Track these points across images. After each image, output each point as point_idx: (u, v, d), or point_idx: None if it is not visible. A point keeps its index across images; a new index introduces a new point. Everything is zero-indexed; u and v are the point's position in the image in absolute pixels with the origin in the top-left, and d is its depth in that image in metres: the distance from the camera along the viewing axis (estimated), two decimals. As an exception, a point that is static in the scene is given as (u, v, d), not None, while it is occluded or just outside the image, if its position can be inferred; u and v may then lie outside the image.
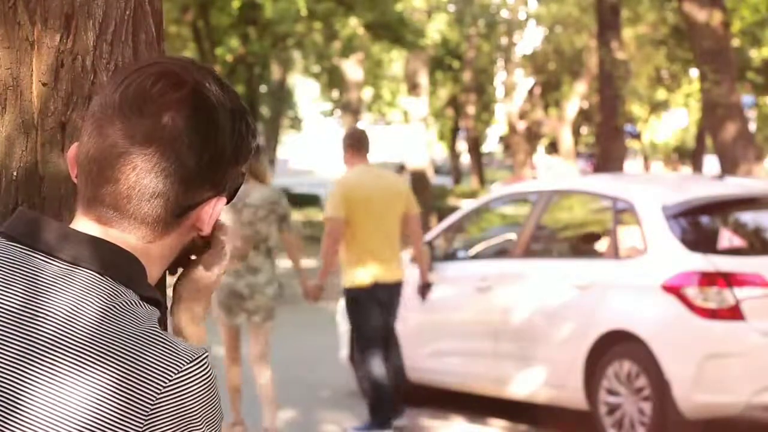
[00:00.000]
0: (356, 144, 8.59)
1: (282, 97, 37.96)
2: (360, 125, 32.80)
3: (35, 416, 1.43)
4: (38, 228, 1.55)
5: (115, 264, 1.53)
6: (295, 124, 49.17)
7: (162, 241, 1.58)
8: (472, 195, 32.56)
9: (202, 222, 1.61)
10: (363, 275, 8.53)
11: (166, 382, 1.46)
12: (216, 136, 1.57)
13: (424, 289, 9.17)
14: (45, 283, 1.50)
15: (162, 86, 1.56)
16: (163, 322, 1.66)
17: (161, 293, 1.82)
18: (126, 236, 1.56)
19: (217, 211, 1.61)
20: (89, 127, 1.58)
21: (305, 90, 50.82)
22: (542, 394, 8.86)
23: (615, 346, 8.34)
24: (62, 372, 1.44)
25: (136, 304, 1.52)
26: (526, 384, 8.94)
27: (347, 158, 8.59)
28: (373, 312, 8.58)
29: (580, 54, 32.38)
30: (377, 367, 8.57)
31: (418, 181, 27.68)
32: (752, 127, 22.60)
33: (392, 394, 8.66)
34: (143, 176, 1.54)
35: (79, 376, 1.44)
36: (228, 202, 1.66)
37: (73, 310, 1.48)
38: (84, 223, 1.57)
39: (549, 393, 8.80)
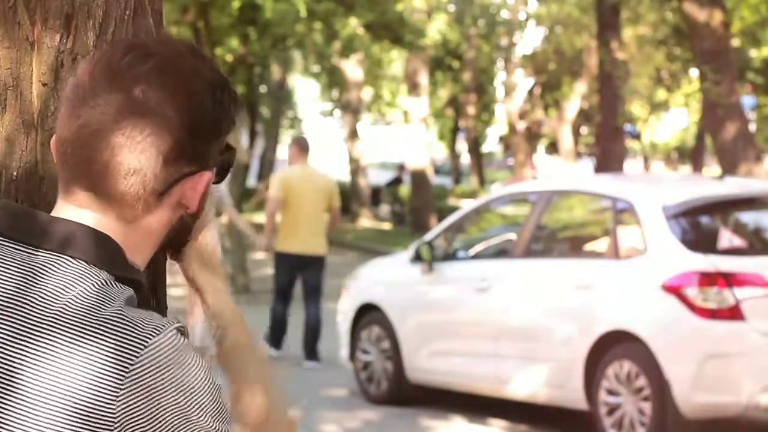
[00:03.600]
0: (299, 148, 11.39)
1: (282, 97, 37.93)
2: (359, 125, 32.82)
3: (14, 402, 1.43)
4: (17, 219, 1.54)
5: (86, 246, 1.49)
6: (295, 124, 49.15)
7: (145, 220, 1.54)
8: (472, 195, 32.57)
9: (187, 199, 1.56)
10: (284, 245, 11.39)
11: (130, 365, 1.41)
12: (192, 108, 1.52)
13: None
14: (22, 272, 1.49)
15: (130, 59, 1.52)
16: (146, 301, 1.62)
17: (161, 279, 1.81)
18: (104, 217, 1.52)
19: (202, 187, 1.56)
20: (62, 111, 1.55)
21: (305, 90, 50.80)
22: (542, 394, 8.86)
23: (615, 346, 8.34)
24: (35, 357, 1.43)
25: (108, 284, 1.48)
26: (526, 384, 8.94)
27: (291, 157, 11.43)
28: (284, 272, 11.47)
29: (580, 54, 32.36)
30: (277, 307, 11.54)
31: (418, 181, 27.65)
32: (752, 127, 22.60)
33: (284, 327, 11.60)
34: (117, 153, 1.49)
35: (52, 361, 1.42)
36: (221, 179, 1.61)
37: (42, 296, 1.46)
38: (63, 208, 1.54)
39: (549, 393, 8.80)
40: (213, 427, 1.47)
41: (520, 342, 8.98)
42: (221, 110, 1.56)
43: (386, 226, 30.90)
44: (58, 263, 1.49)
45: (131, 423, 1.42)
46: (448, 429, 9.17)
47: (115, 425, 1.41)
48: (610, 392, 8.32)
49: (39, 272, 1.49)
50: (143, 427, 1.42)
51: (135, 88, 1.50)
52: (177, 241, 1.64)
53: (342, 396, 10.19)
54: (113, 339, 1.42)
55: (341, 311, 10.76)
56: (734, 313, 7.87)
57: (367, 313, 10.38)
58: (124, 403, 1.41)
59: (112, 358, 1.42)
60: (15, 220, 1.54)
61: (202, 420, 1.46)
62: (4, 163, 1.77)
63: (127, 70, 1.51)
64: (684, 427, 7.96)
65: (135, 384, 1.42)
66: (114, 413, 1.41)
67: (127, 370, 1.41)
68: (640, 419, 8.15)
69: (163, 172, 1.51)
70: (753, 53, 26.68)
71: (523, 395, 9.03)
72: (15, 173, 1.77)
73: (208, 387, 1.47)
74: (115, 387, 1.41)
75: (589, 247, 9.24)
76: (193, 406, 1.45)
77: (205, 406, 1.46)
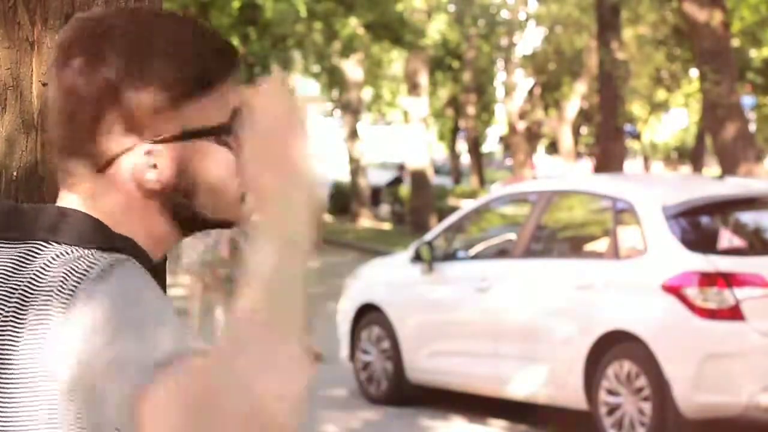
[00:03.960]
0: None
1: (282, 97, 37.87)
2: (359, 125, 32.82)
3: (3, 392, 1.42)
4: (8, 217, 1.53)
5: (61, 228, 1.48)
6: (295, 124, 49.14)
7: (101, 199, 1.50)
8: (472, 195, 32.54)
9: (132, 175, 1.48)
10: None
11: (70, 312, 1.38)
12: (136, 79, 1.46)
13: None
14: (5, 266, 1.49)
15: (77, 33, 1.50)
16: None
17: (161, 279, 1.80)
18: (77, 195, 1.51)
19: (165, 161, 1.47)
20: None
21: (305, 90, 50.93)
22: (542, 394, 8.86)
23: (615, 346, 8.34)
24: (10, 344, 1.42)
25: (68, 255, 1.45)
26: (526, 384, 8.94)
27: None
28: None
29: (580, 54, 32.37)
30: None
31: (418, 181, 27.65)
32: (752, 127, 22.60)
33: None
34: (70, 130, 1.48)
35: (23, 344, 1.41)
36: (230, 148, 1.49)
37: (14, 285, 1.45)
38: (60, 195, 1.54)
39: (549, 393, 8.80)
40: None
41: (520, 342, 8.98)
42: (178, 79, 1.47)
43: (386, 226, 30.89)
44: (34, 250, 1.48)
45: (95, 371, 1.35)
46: (448, 429, 9.17)
47: (94, 387, 1.36)
48: (610, 392, 8.32)
49: (17, 263, 1.48)
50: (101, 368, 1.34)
51: (74, 60, 1.47)
52: (187, 226, 1.55)
53: (342, 396, 10.19)
54: (60, 301, 1.40)
55: (341, 311, 10.75)
56: (734, 313, 7.87)
57: (367, 313, 10.38)
58: (80, 360, 1.36)
59: (60, 318, 1.39)
60: (6, 219, 1.53)
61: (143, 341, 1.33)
62: (4, 163, 1.78)
63: (70, 46, 1.49)
64: (684, 427, 7.96)
65: (78, 329, 1.37)
66: (79, 371, 1.37)
67: (68, 320, 1.38)
68: (640, 419, 8.14)
69: (100, 147, 1.47)
70: (753, 53, 26.69)
71: (523, 395, 9.03)
72: (15, 173, 1.77)
73: (152, 306, 1.37)
74: (65, 344, 1.38)
75: (589, 247, 9.24)
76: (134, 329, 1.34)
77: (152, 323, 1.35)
